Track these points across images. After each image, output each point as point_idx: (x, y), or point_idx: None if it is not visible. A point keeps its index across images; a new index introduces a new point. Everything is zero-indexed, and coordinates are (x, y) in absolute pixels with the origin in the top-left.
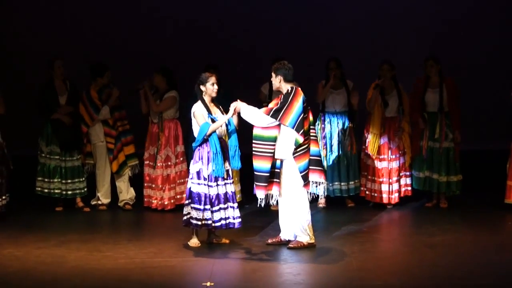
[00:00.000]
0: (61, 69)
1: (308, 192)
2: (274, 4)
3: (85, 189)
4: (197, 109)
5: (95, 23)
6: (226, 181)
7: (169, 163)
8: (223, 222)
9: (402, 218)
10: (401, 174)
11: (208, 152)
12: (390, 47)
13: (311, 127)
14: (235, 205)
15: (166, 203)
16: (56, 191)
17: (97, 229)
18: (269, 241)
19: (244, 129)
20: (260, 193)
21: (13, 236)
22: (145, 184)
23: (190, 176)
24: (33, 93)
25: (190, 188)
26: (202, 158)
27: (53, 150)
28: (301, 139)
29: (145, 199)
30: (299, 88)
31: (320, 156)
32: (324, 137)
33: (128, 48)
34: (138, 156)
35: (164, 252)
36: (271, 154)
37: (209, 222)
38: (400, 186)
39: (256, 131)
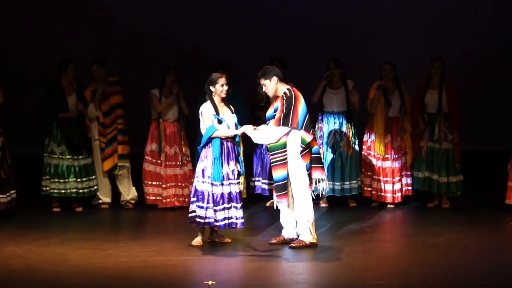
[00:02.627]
0: (74, 72)
1: (311, 190)
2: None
3: (96, 187)
4: (205, 109)
5: (98, 21)
6: (231, 181)
7: (188, 159)
8: (226, 221)
9: (404, 218)
10: (402, 174)
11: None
12: (391, 47)
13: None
14: (239, 205)
15: (187, 199)
16: (73, 190)
17: (99, 227)
18: (273, 240)
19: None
20: (284, 201)
21: (15, 234)
22: (168, 184)
23: (196, 174)
24: (36, 93)
25: (195, 186)
26: (207, 157)
27: (65, 150)
28: (309, 138)
29: (169, 200)
30: (295, 88)
31: (319, 153)
32: (321, 136)
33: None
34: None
35: (166, 251)
36: (286, 160)
37: (211, 220)
38: (402, 185)
39: (268, 144)
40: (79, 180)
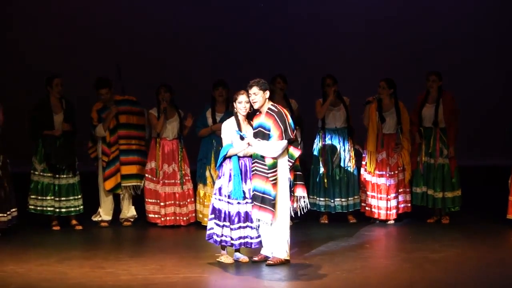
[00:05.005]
0: (59, 87)
1: (291, 207)
2: (269, 22)
3: (81, 207)
4: (225, 126)
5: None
6: (246, 200)
7: (187, 178)
8: (241, 241)
9: (404, 234)
10: (400, 191)
11: (230, 170)
12: (388, 63)
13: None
14: (254, 224)
15: (186, 218)
16: (49, 208)
17: (99, 245)
18: (256, 258)
19: None
20: (273, 220)
21: (15, 252)
22: (167, 202)
23: (214, 192)
24: (26, 111)
25: (213, 203)
26: (224, 175)
27: (46, 167)
28: (297, 153)
29: (168, 218)
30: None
31: (301, 171)
32: (325, 153)
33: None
34: (140, 178)
35: (166, 269)
36: (277, 179)
37: (227, 239)
38: (398, 202)
39: (270, 161)
40: (57, 199)
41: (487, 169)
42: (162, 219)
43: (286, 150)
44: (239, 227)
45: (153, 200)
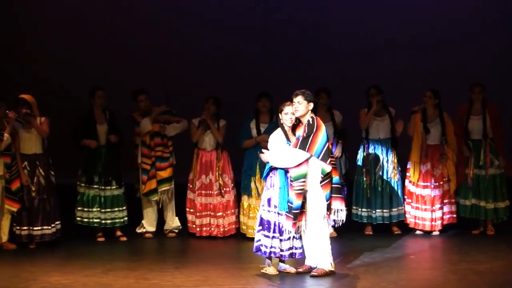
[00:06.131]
0: (101, 100)
1: (328, 219)
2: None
3: (125, 219)
4: (272, 137)
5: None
6: None
7: (227, 189)
8: (290, 251)
9: (448, 245)
10: (445, 201)
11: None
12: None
13: (330, 155)
14: (298, 235)
15: (223, 229)
16: (95, 220)
17: (144, 256)
18: (300, 269)
19: None
20: (294, 230)
21: (60, 264)
22: (203, 213)
23: (262, 203)
24: (71, 122)
25: (261, 215)
26: (273, 186)
27: (93, 178)
28: (328, 168)
29: (204, 228)
30: (319, 118)
31: (339, 184)
32: (368, 164)
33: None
34: (171, 181)
35: (210, 280)
36: (304, 189)
37: (277, 250)
38: (443, 213)
39: (293, 172)
40: (103, 210)
41: None
42: (198, 229)
43: (318, 165)
44: (289, 238)
45: (192, 210)
